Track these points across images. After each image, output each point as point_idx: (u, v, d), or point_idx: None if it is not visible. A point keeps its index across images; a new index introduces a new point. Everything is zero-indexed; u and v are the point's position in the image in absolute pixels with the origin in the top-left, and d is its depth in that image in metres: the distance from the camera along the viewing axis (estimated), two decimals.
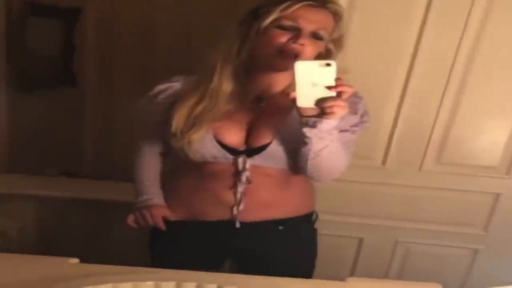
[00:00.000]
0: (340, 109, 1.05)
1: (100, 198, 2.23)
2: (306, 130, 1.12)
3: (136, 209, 1.44)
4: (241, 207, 1.30)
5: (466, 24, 1.68)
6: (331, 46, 1.27)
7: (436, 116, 1.81)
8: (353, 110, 1.22)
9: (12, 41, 2.25)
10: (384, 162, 1.90)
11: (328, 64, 1.02)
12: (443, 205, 1.95)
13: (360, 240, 2.06)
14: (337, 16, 1.23)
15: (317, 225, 1.52)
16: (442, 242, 2.03)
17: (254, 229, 1.34)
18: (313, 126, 1.11)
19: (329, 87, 1.04)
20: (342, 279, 1.27)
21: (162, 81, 1.37)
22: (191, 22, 2.19)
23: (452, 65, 1.74)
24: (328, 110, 1.05)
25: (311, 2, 1.17)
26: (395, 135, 1.85)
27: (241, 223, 1.33)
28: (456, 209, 1.96)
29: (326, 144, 1.15)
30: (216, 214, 1.34)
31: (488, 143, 1.85)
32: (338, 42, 1.28)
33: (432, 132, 1.84)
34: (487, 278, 2.03)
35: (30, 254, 1.29)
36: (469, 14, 1.66)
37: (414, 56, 1.73)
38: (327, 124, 1.10)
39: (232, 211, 1.31)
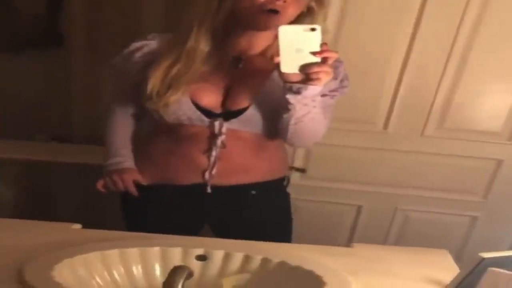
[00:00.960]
0: (325, 75, 1.05)
1: (91, 163, 2.15)
2: (290, 97, 1.11)
3: (106, 172, 1.41)
4: (213, 171, 1.29)
5: None
6: (313, 4, 1.22)
7: (440, 81, 1.79)
8: (334, 74, 1.18)
9: None
10: (385, 126, 1.88)
11: (313, 29, 1.02)
12: (444, 171, 1.95)
13: (359, 208, 2.05)
14: None
15: (289, 190, 1.51)
16: (441, 210, 2.03)
17: (227, 193, 1.34)
18: (298, 92, 1.09)
19: (313, 53, 1.02)
20: (347, 245, 1.25)
21: (138, 39, 1.34)
22: None
23: (457, 29, 1.71)
24: (314, 76, 1.04)
25: None
26: (397, 100, 1.83)
27: (213, 187, 1.32)
28: (457, 176, 1.95)
29: (308, 110, 1.14)
30: (190, 178, 1.32)
31: (491, 108, 1.83)
32: (321, 1, 1.24)
33: (435, 97, 1.82)
34: (485, 245, 2.03)
35: (26, 219, 1.27)
36: None
37: (418, 20, 1.70)
38: (312, 90, 1.09)
39: (204, 175, 1.30)
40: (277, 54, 1.04)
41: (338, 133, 1.79)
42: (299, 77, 1.06)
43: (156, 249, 1.06)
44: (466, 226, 2.06)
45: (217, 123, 1.24)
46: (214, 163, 1.28)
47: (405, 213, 2.04)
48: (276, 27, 1.04)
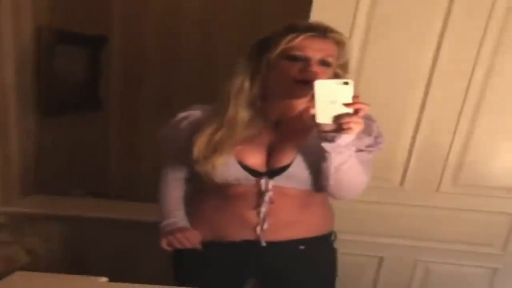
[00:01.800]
0: (356, 125, 1.10)
1: (125, 218, 2.29)
2: (325, 145, 1.17)
3: (166, 232, 1.46)
4: (265, 226, 1.34)
5: (479, 49, 1.72)
6: (339, 71, 1.32)
7: (452, 139, 1.84)
8: (368, 131, 1.26)
9: (41, 68, 2.32)
10: (402, 183, 1.92)
11: (346, 83, 1.09)
12: (461, 225, 1.97)
13: (380, 259, 2.07)
14: (340, 43, 1.29)
15: (337, 245, 1.55)
16: (461, 261, 2.04)
17: (276, 248, 1.39)
18: (332, 140, 1.15)
19: (346, 104, 1.09)
20: None
21: (183, 110, 1.42)
22: (213, 46, 2.27)
23: (467, 89, 1.77)
24: (345, 126, 1.10)
25: (313, 33, 1.24)
26: (412, 157, 1.87)
27: (265, 242, 1.37)
28: (474, 229, 1.97)
29: (345, 159, 1.19)
30: (240, 234, 1.39)
31: (503, 164, 1.86)
32: (344, 67, 1.34)
33: (448, 154, 1.86)
34: None
35: (58, 273, 1.34)
36: (482, 40, 1.70)
37: (429, 80, 1.77)
38: (345, 139, 1.15)
39: (255, 230, 1.36)
40: (313, 106, 1.11)
41: None
42: (332, 127, 1.12)
43: None
44: (488, 277, 2.06)
45: (263, 181, 1.32)
46: (264, 219, 1.34)
47: (426, 265, 2.06)
48: (309, 95, 1.12)
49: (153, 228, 1.55)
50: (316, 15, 1.65)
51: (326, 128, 1.14)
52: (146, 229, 1.88)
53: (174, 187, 1.53)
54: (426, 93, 1.79)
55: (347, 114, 1.09)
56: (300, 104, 1.32)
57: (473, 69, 1.75)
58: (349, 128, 1.10)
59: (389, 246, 2.03)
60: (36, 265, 2.22)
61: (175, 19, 2.30)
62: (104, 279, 1.31)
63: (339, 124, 1.10)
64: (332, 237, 1.53)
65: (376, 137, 1.34)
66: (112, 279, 1.33)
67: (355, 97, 1.09)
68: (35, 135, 2.43)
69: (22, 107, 2.28)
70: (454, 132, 1.84)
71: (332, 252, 1.55)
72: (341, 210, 1.96)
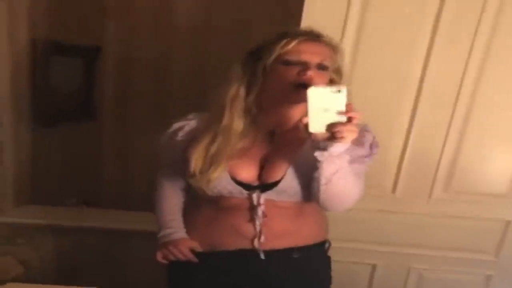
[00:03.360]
0: (350, 133, 1.08)
1: (118, 227, 2.28)
2: (318, 154, 1.15)
3: (162, 245, 1.46)
4: (262, 239, 1.33)
5: (469, 55, 1.73)
6: (334, 76, 1.32)
7: (443, 145, 1.85)
8: (360, 143, 1.25)
9: (36, 79, 2.33)
10: (393, 190, 1.92)
11: (339, 90, 1.07)
12: (454, 232, 1.97)
13: (373, 267, 2.07)
14: (333, 47, 1.29)
15: (330, 253, 1.55)
16: (454, 268, 2.04)
17: (270, 257, 1.37)
18: (324, 149, 1.13)
19: (340, 112, 1.07)
20: None
21: (178, 119, 1.42)
22: (205, 58, 2.29)
23: (457, 96, 1.78)
24: (339, 135, 1.07)
25: (307, 37, 1.24)
26: (403, 164, 1.87)
27: (264, 253, 1.36)
28: (467, 236, 1.97)
29: (336, 168, 1.17)
30: (235, 244, 1.37)
31: (495, 171, 1.87)
32: (339, 71, 1.33)
33: (439, 161, 1.87)
34: None
35: (52, 283, 1.35)
36: (471, 47, 1.72)
37: (420, 87, 1.78)
38: (338, 148, 1.13)
39: (252, 241, 1.34)
40: (307, 115, 1.08)
41: None
42: (326, 136, 1.09)
43: None
44: (482, 284, 2.06)
45: (255, 195, 1.30)
46: (261, 231, 1.33)
47: (419, 272, 2.06)
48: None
49: (146, 237, 1.55)
50: (306, 25, 1.65)
51: (320, 137, 1.12)
52: (139, 238, 1.87)
53: (170, 195, 1.52)
54: (416, 101, 1.80)
55: (341, 122, 1.07)
56: (295, 113, 1.31)
57: (463, 76, 1.76)
58: (342, 137, 1.07)
59: (382, 253, 2.03)
60: (29, 275, 2.21)
61: (167, 29, 2.32)
62: None
63: (332, 133, 1.08)
64: (326, 245, 1.52)
65: (371, 148, 1.33)
66: None
67: (348, 105, 1.07)
68: (30, 146, 2.43)
69: (17, 118, 2.28)
70: (445, 139, 1.84)
71: (326, 260, 1.54)
72: (333, 217, 1.95)
